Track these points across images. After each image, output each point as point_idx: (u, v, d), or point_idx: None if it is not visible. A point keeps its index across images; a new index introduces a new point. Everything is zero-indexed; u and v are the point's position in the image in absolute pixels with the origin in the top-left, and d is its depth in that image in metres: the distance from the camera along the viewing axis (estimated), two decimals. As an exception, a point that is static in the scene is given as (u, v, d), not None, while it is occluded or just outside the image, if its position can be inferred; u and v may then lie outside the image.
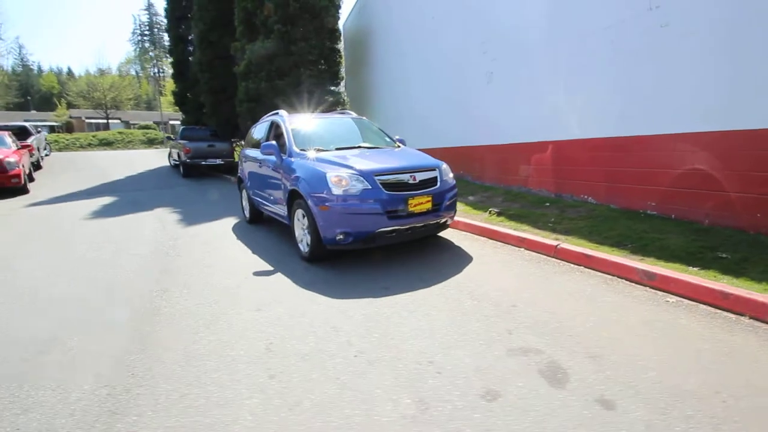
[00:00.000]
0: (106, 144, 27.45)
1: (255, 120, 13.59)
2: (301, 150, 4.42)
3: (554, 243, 3.86)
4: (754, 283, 2.71)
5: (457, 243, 4.53)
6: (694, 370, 2.02)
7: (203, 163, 13.55)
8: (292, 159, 4.35)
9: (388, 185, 3.72)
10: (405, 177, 3.83)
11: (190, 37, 15.98)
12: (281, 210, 4.69)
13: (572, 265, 3.59)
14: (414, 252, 4.21)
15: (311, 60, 13.54)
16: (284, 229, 5.76)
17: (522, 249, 4.17)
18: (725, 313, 2.54)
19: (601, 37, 5.10)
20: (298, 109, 13.10)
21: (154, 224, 6.34)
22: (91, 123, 38.84)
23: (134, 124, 38.76)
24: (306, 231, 4.06)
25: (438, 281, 3.37)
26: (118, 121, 40.02)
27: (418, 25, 10.03)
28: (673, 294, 2.83)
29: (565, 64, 5.69)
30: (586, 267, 3.49)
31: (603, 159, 5.24)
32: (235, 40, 13.89)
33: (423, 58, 9.85)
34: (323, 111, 14.78)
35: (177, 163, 15.15)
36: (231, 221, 6.47)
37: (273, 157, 4.69)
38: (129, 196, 9.38)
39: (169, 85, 35.04)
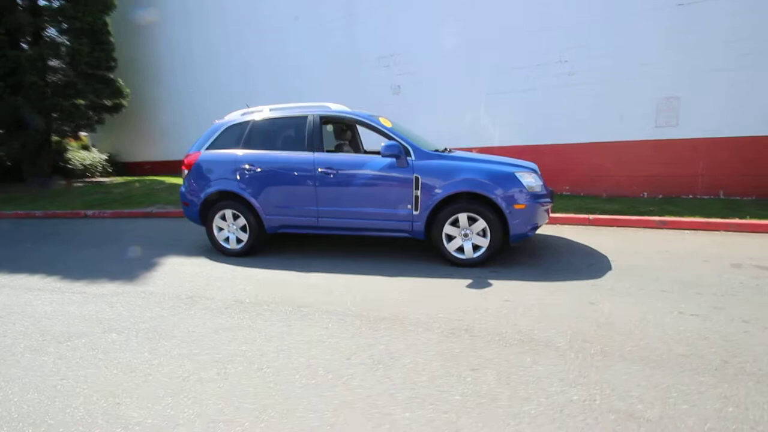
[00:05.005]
0: None
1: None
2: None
3: (587, 216, 5.53)
4: (703, 217, 5.29)
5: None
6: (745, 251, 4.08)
7: None
8: (441, 161, 3.90)
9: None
10: (539, 174, 4.42)
11: None
12: (394, 222, 4.01)
13: (607, 227, 5.36)
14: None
15: (75, 29, 9.45)
16: (325, 242, 4.88)
17: (557, 225, 5.60)
18: (720, 231, 4.94)
19: (518, 73, 7.19)
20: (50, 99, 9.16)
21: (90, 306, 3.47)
22: None
23: None
24: (473, 235, 3.87)
25: (593, 252, 4.29)
26: None
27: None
28: (682, 230, 5.09)
29: (485, 88, 7.47)
30: (617, 227, 5.34)
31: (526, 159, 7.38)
32: None
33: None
34: (96, 106, 10.54)
35: None
36: (189, 261, 4.49)
37: (388, 161, 3.92)
38: None
39: None
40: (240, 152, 4.40)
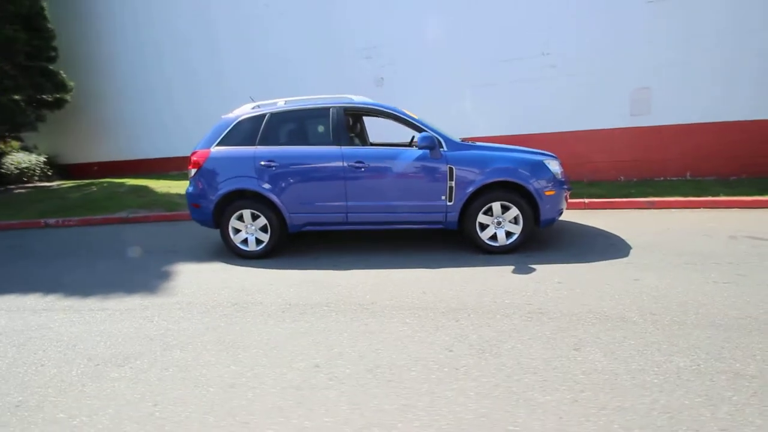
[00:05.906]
0: None
1: None
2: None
3: (582, 200, 5.89)
4: (684, 197, 5.85)
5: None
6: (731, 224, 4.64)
7: None
8: (473, 151, 3.96)
9: (557, 169, 4.42)
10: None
11: None
12: (428, 213, 4.02)
13: (602, 210, 5.76)
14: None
15: (8, 14, 8.30)
16: (345, 238, 4.76)
17: (555, 210, 5.91)
18: (700, 209, 5.49)
19: (503, 66, 7.44)
20: None
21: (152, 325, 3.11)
22: None
23: None
24: (506, 222, 3.99)
25: (606, 234, 4.61)
26: None
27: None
28: (669, 209, 5.60)
29: (470, 80, 7.65)
30: (610, 209, 5.76)
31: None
32: None
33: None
34: (34, 102, 9.37)
35: None
36: (206, 267, 4.22)
37: (420, 153, 3.91)
38: None
39: None
40: (259, 148, 4.16)
